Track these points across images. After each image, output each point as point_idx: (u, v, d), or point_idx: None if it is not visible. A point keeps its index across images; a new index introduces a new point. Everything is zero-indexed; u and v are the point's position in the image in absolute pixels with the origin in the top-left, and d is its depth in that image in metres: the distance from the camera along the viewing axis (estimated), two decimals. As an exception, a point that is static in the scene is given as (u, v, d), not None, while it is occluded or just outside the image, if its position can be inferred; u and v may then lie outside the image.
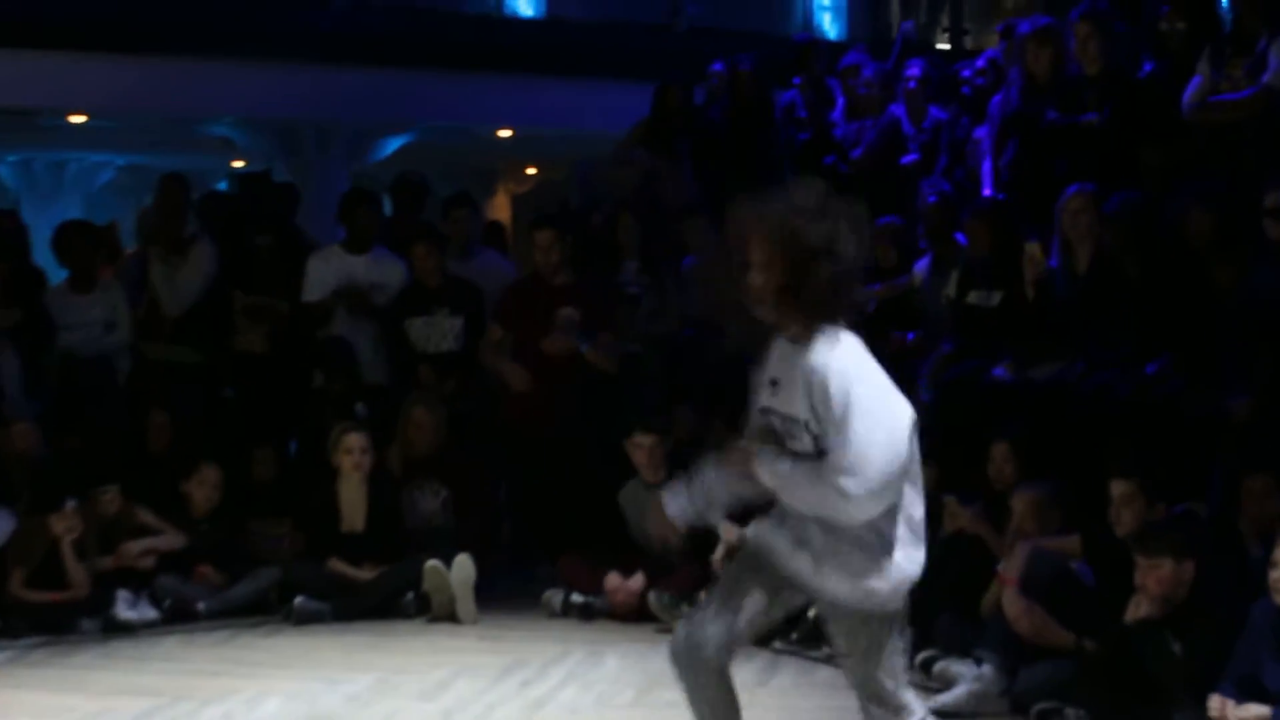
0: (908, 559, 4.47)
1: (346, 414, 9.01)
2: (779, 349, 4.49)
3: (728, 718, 4.62)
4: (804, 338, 4.37)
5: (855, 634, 4.53)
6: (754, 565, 4.61)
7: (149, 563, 8.39)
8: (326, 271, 9.60)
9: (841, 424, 4.25)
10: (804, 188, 4.43)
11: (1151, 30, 9.04)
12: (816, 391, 4.29)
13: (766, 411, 4.50)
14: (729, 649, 4.56)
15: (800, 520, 4.48)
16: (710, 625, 4.54)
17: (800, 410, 4.35)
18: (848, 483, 4.24)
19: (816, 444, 4.33)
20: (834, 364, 4.30)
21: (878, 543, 4.43)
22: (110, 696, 6.88)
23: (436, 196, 11.05)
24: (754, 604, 4.60)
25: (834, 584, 4.47)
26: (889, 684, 4.53)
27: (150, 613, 8.24)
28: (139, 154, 17.71)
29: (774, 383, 4.49)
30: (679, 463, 8.49)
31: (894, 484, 4.32)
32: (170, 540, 8.50)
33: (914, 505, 4.47)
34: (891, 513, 4.41)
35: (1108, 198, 8.06)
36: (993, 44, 12.26)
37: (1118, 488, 6.51)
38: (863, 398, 4.28)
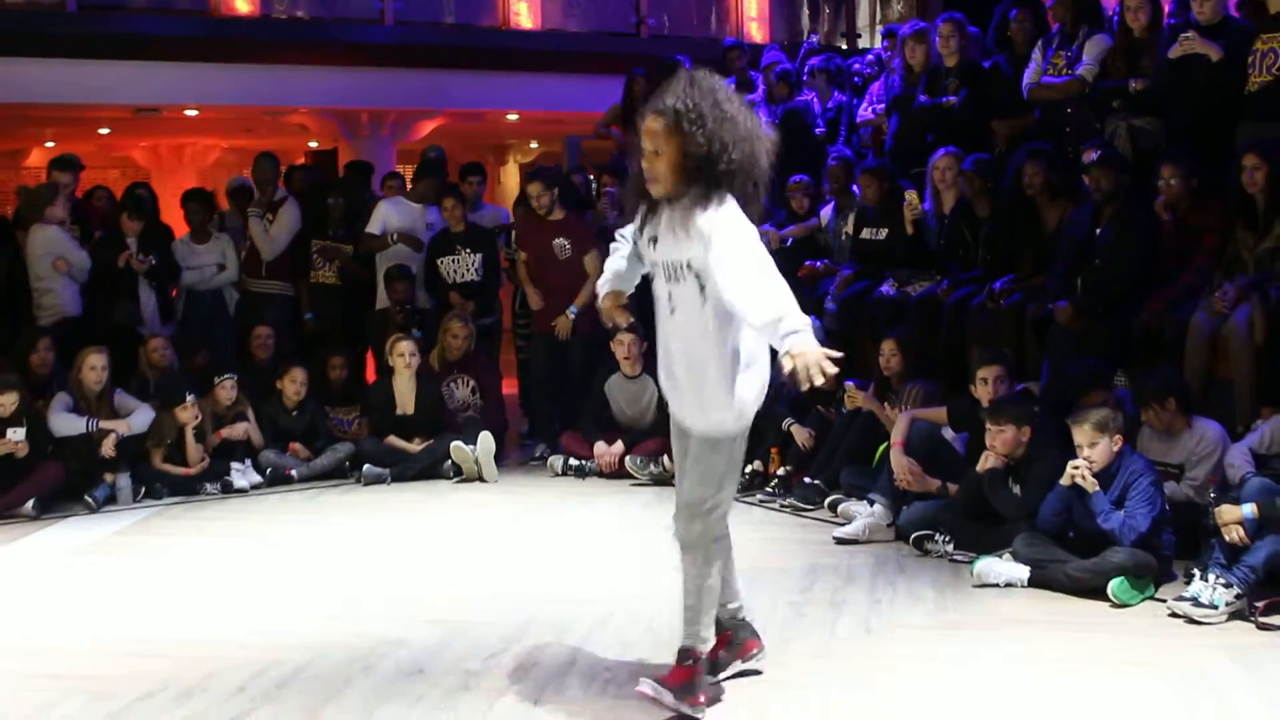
0: (747, 386, 4.03)
1: (406, 330, 8.93)
2: (665, 213, 4.01)
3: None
4: (688, 201, 3.91)
5: (702, 457, 4.07)
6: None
7: (244, 437, 8.35)
8: (391, 214, 9.42)
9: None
10: (700, 83, 3.94)
11: (1001, 30, 8.96)
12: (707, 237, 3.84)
13: (654, 264, 4.10)
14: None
15: (669, 358, 4.11)
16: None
17: (683, 254, 3.95)
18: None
19: (699, 280, 3.95)
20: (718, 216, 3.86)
21: (724, 376, 3.98)
22: (225, 538, 6.90)
23: (457, 163, 10.92)
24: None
25: (690, 416, 4.11)
26: (709, 493, 4.07)
27: (256, 479, 8.23)
28: (239, 137, 17.52)
29: (654, 240, 4.07)
30: (652, 357, 8.46)
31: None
32: (254, 436, 8.42)
33: (748, 339, 4.01)
34: (735, 350, 3.99)
35: (966, 158, 8.04)
36: (878, 44, 12.15)
37: (990, 371, 6.51)
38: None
